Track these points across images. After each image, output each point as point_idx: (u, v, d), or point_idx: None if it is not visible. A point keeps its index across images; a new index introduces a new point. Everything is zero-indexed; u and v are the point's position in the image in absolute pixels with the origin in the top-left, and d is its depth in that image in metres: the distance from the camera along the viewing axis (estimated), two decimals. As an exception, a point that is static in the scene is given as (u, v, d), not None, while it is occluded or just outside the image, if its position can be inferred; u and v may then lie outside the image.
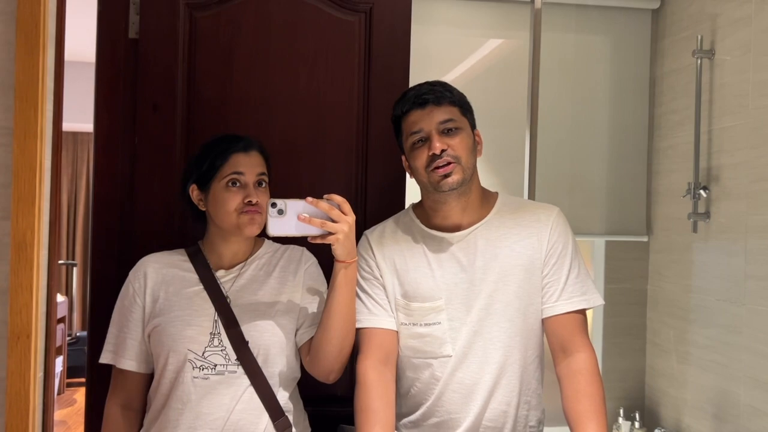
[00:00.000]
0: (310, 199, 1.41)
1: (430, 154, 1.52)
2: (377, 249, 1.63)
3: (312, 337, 1.56)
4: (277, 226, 1.42)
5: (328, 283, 1.55)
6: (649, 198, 2.75)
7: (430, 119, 1.54)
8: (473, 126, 1.61)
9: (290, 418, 1.56)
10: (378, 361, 1.56)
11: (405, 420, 1.63)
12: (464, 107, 1.59)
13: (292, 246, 1.66)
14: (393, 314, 1.60)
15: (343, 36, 1.89)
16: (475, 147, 1.59)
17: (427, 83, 1.58)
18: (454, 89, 1.59)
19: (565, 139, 2.68)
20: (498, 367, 1.55)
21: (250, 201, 1.52)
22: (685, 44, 2.52)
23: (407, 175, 1.87)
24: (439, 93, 1.54)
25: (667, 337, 2.61)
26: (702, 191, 2.36)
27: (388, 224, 1.68)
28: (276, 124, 1.87)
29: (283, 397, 1.55)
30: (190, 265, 1.59)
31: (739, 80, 2.24)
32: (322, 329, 1.52)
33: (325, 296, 1.57)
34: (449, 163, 1.52)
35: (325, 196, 1.43)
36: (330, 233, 1.42)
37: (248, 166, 1.54)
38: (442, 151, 1.51)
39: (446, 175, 1.52)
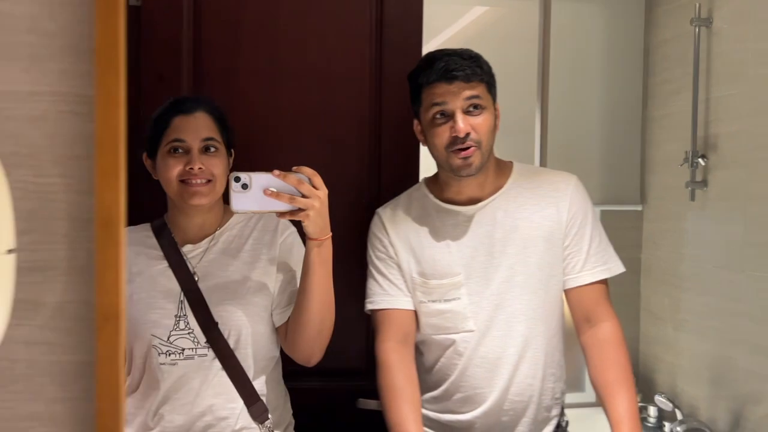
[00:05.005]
0: (277, 171, 1.29)
1: (453, 135, 1.46)
2: (391, 227, 1.58)
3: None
4: (241, 202, 1.30)
5: None
6: (643, 167, 2.76)
7: (456, 96, 1.46)
8: (495, 100, 1.54)
9: (268, 402, 1.47)
10: (397, 342, 1.53)
11: (427, 395, 1.61)
12: (491, 83, 1.52)
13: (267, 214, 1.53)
14: (409, 293, 1.56)
15: (355, 4, 1.82)
16: (495, 125, 1.53)
17: (457, 54, 1.48)
18: (484, 63, 1.52)
19: (558, 107, 2.67)
20: (522, 341, 1.53)
21: (191, 169, 1.39)
22: (681, 12, 2.52)
23: (421, 146, 1.84)
24: (470, 70, 1.46)
25: (661, 304, 2.65)
26: (700, 159, 2.38)
27: (401, 200, 1.62)
28: (285, 96, 1.80)
29: (259, 380, 1.46)
30: (154, 241, 1.47)
31: (738, 48, 2.24)
32: (298, 311, 1.42)
33: None
34: (470, 147, 1.46)
35: (294, 168, 1.32)
36: (300, 209, 1.30)
37: (190, 130, 1.41)
38: (466, 134, 1.45)
39: (466, 159, 1.46)
